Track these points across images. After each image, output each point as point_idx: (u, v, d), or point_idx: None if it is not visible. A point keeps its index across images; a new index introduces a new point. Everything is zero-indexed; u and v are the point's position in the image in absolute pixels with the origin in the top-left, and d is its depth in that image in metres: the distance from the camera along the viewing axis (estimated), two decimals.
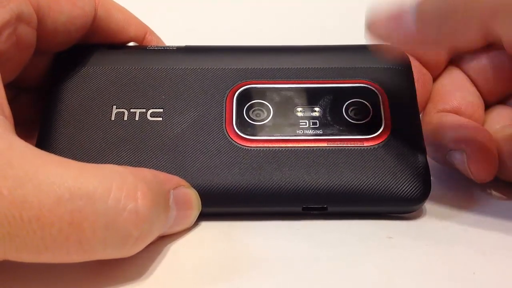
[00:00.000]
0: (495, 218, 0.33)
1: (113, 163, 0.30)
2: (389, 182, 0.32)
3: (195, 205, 0.32)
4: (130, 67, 0.36)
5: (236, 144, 0.34)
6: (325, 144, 0.34)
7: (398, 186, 0.32)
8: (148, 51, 0.38)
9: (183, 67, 0.36)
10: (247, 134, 0.34)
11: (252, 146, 0.34)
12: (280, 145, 0.34)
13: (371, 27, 0.32)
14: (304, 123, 0.35)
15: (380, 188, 0.32)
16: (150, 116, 0.35)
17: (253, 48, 0.38)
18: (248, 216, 0.33)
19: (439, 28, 0.29)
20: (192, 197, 0.32)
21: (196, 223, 0.32)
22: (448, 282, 0.28)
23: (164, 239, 0.31)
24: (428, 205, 0.33)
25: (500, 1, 0.26)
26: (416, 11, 0.30)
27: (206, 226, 0.33)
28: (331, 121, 0.35)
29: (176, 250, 0.30)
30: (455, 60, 0.41)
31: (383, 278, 0.28)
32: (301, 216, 0.33)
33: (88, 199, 0.25)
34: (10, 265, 0.26)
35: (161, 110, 0.35)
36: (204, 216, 0.32)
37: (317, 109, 0.35)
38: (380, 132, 0.34)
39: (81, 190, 0.25)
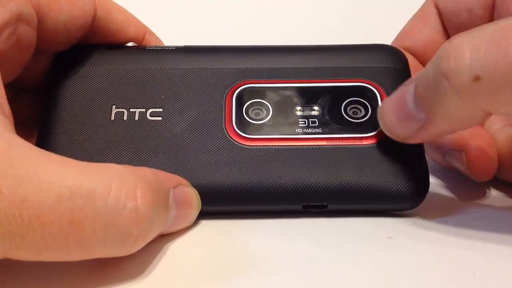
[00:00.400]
0: (495, 218, 0.33)
1: (113, 163, 0.30)
2: (388, 180, 0.33)
3: (195, 204, 0.32)
4: (130, 67, 0.36)
5: (236, 143, 0.34)
6: (324, 143, 0.34)
7: (397, 184, 0.33)
8: (147, 51, 0.38)
9: (182, 67, 0.36)
10: (246, 133, 0.34)
11: (252, 145, 0.34)
12: (280, 144, 0.34)
13: (381, 121, 0.33)
14: (303, 122, 0.35)
15: (379, 186, 0.32)
16: (150, 116, 0.35)
17: (252, 48, 0.38)
18: (248, 215, 0.33)
19: (449, 121, 0.29)
20: (192, 196, 0.32)
21: (196, 222, 0.32)
22: (448, 282, 0.28)
23: (164, 238, 0.31)
24: (428, 205, 0.33)
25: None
26: (417, 104, 0.30)
27: (206, 225, 0.33)
28: (330, 120, 0.35)
29: (175, 249, 0.30)
30: None
31: (383, 278, 0.28)
32: (301, 214, 0.33)
33: (88, 198, 0.25)
34: (10, 263, 0.26)
35: (161, 109, 0.35)
36: (204, 214, 0.32)
37: (316, 108, 0.35)
38: (379, 131, 0.34)
39: (81, 189, 0.25)
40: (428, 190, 0.33)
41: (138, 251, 0.27)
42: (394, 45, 0.39)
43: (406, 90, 0.31)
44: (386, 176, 0.33)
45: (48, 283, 0.27)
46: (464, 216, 0.33)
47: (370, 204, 0.33)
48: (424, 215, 0.33)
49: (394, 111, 0.32)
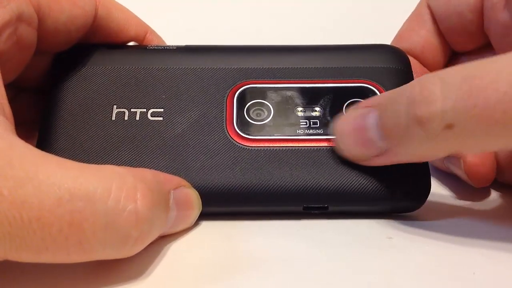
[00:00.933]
0: (495, 218, 0.33)
1: (114, 163, 0.30)
2: (389, 182, 0.32)
3: (196, 205, 0.32)
4: (131, 67, 0.36)
5: (237, 143, 0.34)
6: (325, 144, 0.34)
7: (398, 186, 0.32)
8: (149, 51, 0.38)
9: (183, 67, 0.36)
10: (247, 134, 0.34)
11: (253, 145, 0.34)
12: (281, 145, 0.34)
13: (336, 144, 0.33)
14: (305, 123, 0.35)
15: (381, 187, 0.32)
16: (151, 116, 0.35)
17: (253, 48, 0.38)
18: (249, 216, 0.33)
19: (414, 156, 0.31)
20: (193, 197, 0.32)
21: (196, 223, 0.32)
22: (448, 282, 0.28)
23: (164, 239, 0.31)
24: (428, 205, 0.33)
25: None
26: (378, 126, 0.31)
27: (207, 226, 0.33)
28: (332, 121, 0.35)
29: (176, 250, 0.30)
30: (454, 59, 0.41)
31: (383, 278, 0.28)
32: (302, 215, 0.33)
33: (88, 199, 0.25)
34: (10, 265, 0.26)
35: (162, 110, 0.35)
36: (204, 215, 0.32)
37: (317, 108, 0.35)
38: None
39: (81, 191, 0.25)
40: (429, 192, 0.33)
41: (138, 252, 0.27)
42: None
43: (367, 115, 0.31)
44: (388, 178, 0.33)
45: (48, 284, 0.27)
46: (464, 216, 0.33)
47: (371, 206, 0.33)
48: (424, 216, 0.34)
49: (352, 134, 0.32)
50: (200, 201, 0.32)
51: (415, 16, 0.42)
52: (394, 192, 0.32)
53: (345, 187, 0.32)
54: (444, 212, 0.34)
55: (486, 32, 0.38)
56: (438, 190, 0.36)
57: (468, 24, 0.38)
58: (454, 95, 0.27)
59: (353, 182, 0.33)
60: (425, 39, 0.41)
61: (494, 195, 0.36)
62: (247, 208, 0.33)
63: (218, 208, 0.33)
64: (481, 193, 0.36)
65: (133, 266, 0.28)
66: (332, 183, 0.33)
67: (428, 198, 0.33)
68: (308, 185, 0.33)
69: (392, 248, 0.30)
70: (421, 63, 0.40)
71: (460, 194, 0.36)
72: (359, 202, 0.33)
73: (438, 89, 0.28)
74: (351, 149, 0.32)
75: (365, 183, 0.32)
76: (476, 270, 0.28)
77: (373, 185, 0.32)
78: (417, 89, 0.29)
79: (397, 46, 0.38)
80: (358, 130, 0.32)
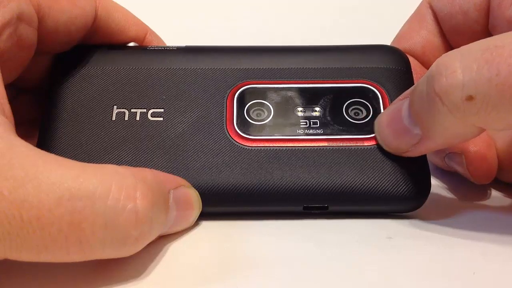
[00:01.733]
0: (495, 218, 0.33)
1: (114, 163, 0.30)
2: (389, 182, 0.32)
3: (196, 205, 0.32)
4: (131, 67, 0.36)
5: (237, 143, 0.34)
6: (325, 144, 0.34)
7: (398, 186, 0.32)
8: (149, 51, 0.38)
9: (183, 67, 0.36)
10: (247, 134, 0.34)
11: (253, 145, 0.34)
12: (281, 145, 0.34)
13: (378, 139, 0.34)
14: (305, 123, 0.35)
15: (381, 187, 0.32)
16: (151, 116, 0.35)
17: (253, 49, 0.38)
18: (249, 216, 0.33)
19: (445, 137, 0.30)
20: (193, 197, 0.32)
21: (196, 223, 0.32)
22: (448, 282, 0.28)
23: (164, 239, 0.31)
24: (428, 205, 0.33)
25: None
26: (415, 121, 0.31)
27: (207, 226, 0.33)
28: (332, 121, 0.35)
29: (176, 250, 0.30)
30: None
31: (383, 278, 0.28)
32: (302, 215, 0.33)
33: (88, 199, 0.25)
34: (10, 264, 0.26)
35: (162, 110, 0.35)
36: (205, 215, 0.32)
37: (317, 108, 0.35)
38: None
39: (80, 190, 0.25)
40: (429, 192, 0.33)
41: (138, 252, 0.28)
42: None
43: (401, 104, 0.32)
44: (388, 178, 0.33)
45: (48, 283, 0.27)
46: (463, 216, 0.33)
47: (371, 205, 0.33)
48: (424, 216, 0.33)
49: (390, 126, 0.33)
50: (200, 201, 0.32)
51: (416, 16, 0.42)
52: (394, 192, 0.32)
53: (345, 187, 0.32)
54: (444, 212, 0.34)
55: (491, 31, 0.38)
56: (438, 190, 0.36)
57: (473, 23, 0.38)
58: (474, 65, 0.27)
59: (353, 182, 0.33)
60: (426, 39, 0.40)
61: (494, 194, 0.36)
62: (247, 208, 0.33)
63: (218, 208, 0.33)
64: (481, 193, 0.36)
65: (133, 265, 0.28)
66: (332, 183, 0.33)
67: (428, 198, 0.33)
68: (308, 185, 0.33)
69: (392, 248, 0.30)
70: (421, 63, 0.40)
71: (460, 194, 0.36)
72: (359, 202, 0.33)
73: (457, 61, 0.27)
74: (391, 141, 0.33)
75: (365, 183, 0.32)
76: (476, 270, 0.28)
77: (373, 185, 0.32)
78: (435, 65, 0.28)
79: (397, 46, 0.38)
80: (394, 121, 0.32)
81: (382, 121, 0.33)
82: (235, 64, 0.37)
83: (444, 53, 0.39)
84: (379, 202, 0.33)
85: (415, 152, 0.32)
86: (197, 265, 0.29)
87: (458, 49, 0.28)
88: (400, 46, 0.39)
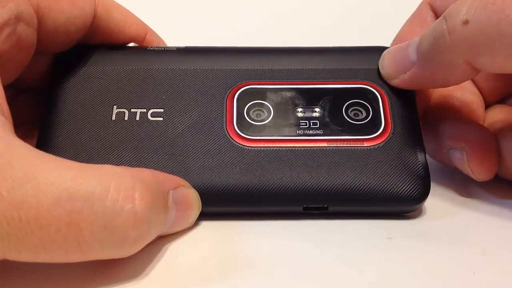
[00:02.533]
0: (495, 218, 0.33)
1: (114, 163, 0.30)
2: (389, 182, 0.32)
3: (195, 205, 0.32)
4: (131, 68, 0.36)
5: (237, 144, 0.34)
6: (325, 144, 0.34)
7: (398, 186, 0.32)
8: (149, 52, 0.38)
9: (183, 68, 0.36)
10: (247, 134, 0.34)
11: (253, 146, 0.34)
12: (281, 145, 0.34)
13: (382, 61, 0.36)
14: (305, 123, 0.35)
15: (380, 187, 0.32)
16: (151, 116, 0.35)
17: (253, 49, 0.38)
18: (249, 216, 0.33)
19: (434, 64, 0.33)
20: (192, 197, 0.32)
21: (196, 223, 0.32)
22: (448, 282, 0.28)
23: (164, 239, 0.31)
24: (428, 205, 0.33)
25: (476, 39, 0.30)
26: (417, 45, 0.34)
27: (206, 226, 0.33)
28: (331, 122, 0.35)
29: (175, 250, 0.30)
30: None
31: (383, 278, 0.28)
32: (302, 216, 0.33)
33: (86, 200, 0.25)
34: (10, 264, 0.26)
35: (162, 110, 0.35)
36: (204, 215, 0.32)
37: (317, 109, 0.35)
38: (380, 132, 0.34)
39: (79, 191, 0.25)
40: (429, 192, 0.33)
41: (137, 252, 0.27)
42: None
43: (411, 40, 0.35)
44: (387, 179, 0.33)
45: (47, 284, 0.27)
46: (464, 216, 0.33)
47: (371, 206, 0.33)
48: (424, 216, 0.33)
49: (395, 51, 0.35)
50: (200, 201, 0.32)
51: (416, 16, 0.41)
52: (394, 193, 0.32)
53: (345, 188, 0.32)
54: (444, 212, 0.34)
55: None
56: (438, 191, 0.36)
57: None
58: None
59: (352, 183, 0.33)
60: None
61: (494, 195, 0.35)
62: (247, 209, 0.33)
63: (218, 208, 0.33)
64: (481, 192, 0.36)
65: (132, 265, 0.28)
66: (332, 184, 0.33)
67: (428, 198, 0.33)
68: (308, 185, 0.33)
69: (392, 248, 0.30)
70: None
71: (460, 195, 0.36)
72: (359, 202, 0.33)
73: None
74: (389, 63, 0.35)
75: (365, 184, 0.32)
76: (476, 270, 0.28)
77: (373, 185, 0.32)
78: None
79: None
80: (401, 47, 0.35)
81: (391, 48, 0.36)
82: (235, 64, 0.37)
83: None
84: (379, 202, 0.33)
85: (401, 80, 0.34)
86: (197, 265, 0.29)
87: None
88: None
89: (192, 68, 0.36)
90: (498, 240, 0.31)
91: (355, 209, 0.33)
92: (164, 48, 0.38)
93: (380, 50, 0.37)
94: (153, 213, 0.27)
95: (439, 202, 0.35)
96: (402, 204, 0.33)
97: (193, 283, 0.28)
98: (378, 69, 0.36)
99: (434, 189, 0.34)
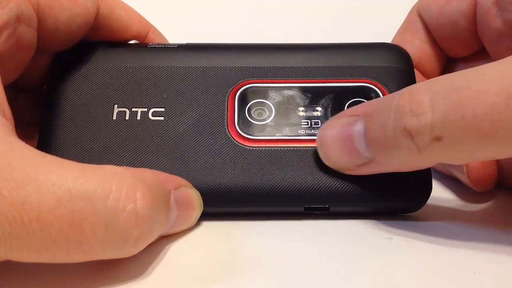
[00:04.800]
0: (495, 218, 0.33)
1: (115, 163, 0.30)
2: (390, 182, 0.32)
3: (197, 205, 0.32)
4: (132, 65, 0.36)
5: (238, 144, 0.34)
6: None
7: (400, 186, 0.32)
8: (150, 49, 0.38)
9: (184, 66, 0.36)
10: (249, 134, 0.34)
11: (254, 146, 0.34)
12: (282, 145, 0.34)
13: (319, 152, 0.33)
14: (306, 123, 0.35)
15: (382, 187, 0.32)
16: (152, 116, 0.35)
17: (255, 46, 0.38)
18: (250, 216, 0.33)
19: (398, 165, 0.31)
20: (194, 197, 0.32)
21: (198, 223, 0.32)
22: (448, 282, 0.28)
23: (165, 239, 0.31)
24: (428, 205, 0.33)
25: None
26: (367, 144, 0.31)
27: (208, 226, 0.33)
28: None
29: (176, 250, 0.30)
30: (450, 66, 0.41)
31: (383, 278, 0.28)
32: (303, 216, 0.33)
33: (88, 200, 0.25)
34: (12, 265, 0.26)
35: (163, 109, 0.35)
36: (206, 216, 0.33)
37: (319, 108, 0.35)
38: None
39: (81, 191, 0.25)
40: (430, 192, 0.33)
41: (139, 252, 0.28)
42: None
43: (353, 125, 0.31)
44: (389, 179, 0.32)
45: (48, 284, 0.28)
46: (464, 216, 0.33)
47: (372, 206, 0.33)
48: (425, 216, 0.33)
49: (337, 144, 0.32)
50: (202, 201, 0.32)
51: (406, 25, 0.41)
52: (395, 193, 0.32)
53: (346, 188, 0.32)
54: (444, 213, 0.34)
55: (480, 38, 0.38)
56: (439, 191, 0.36)
57: (463, 32, 0.38)
58: (442, 106, 0.27)
59: (354, 183, 0.33)
60: (420, 48, 0.40)
61: (495, 197, 0.35)
62: (248, 209, 0.33)
63: (219, 209, 0.33)
64: (482, 195, 0.36)
65: (134, 266, 0.28)
66: (334, 184, 0.33)
67: (429, 199, 0.33)
68: (310, 185, 0.33)
69: (392, 248, 0.30)
70: (419, 72, 0.40)
71: (461, 196, 0.36)
72: (361, 202, 0.33)
73: (427, 100, 0.28)
74: (336, 158, 0.32)
75: (366, 184, 0.32)
76: (476, 270, 0.28)
77: (375, 185, 0.32)
78: (405, 100, 0.29)
79: None
80: (344, 139, 0.32)
81: (328, 137, 0.33)
82: (236, 62, 0.36)
83: (438, 61, 0.39)
84: (380, 202, 0.33)
85: (359, 172, 0.32)
86: (198, 265, 0.29)
87: (428, 82, 0.29)
88: None
89: (194, 66, 0.36)
90: (498, 240, 0.31)
91: (356, 209, 0.33)
92: (165, 45, 0.38)
93: (382, 46, 0.37)
94: (154, 213, 0.27)
95: (440, 203, 0.35)
96: (403, 204, 0.33)
97: (194, 283, 0.28)
98: (380, 66, 0.36)
99: (435, 189, 0.34)
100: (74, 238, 0.25)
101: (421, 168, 0.31)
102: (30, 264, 0.26)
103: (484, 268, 0.28)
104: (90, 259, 0.26)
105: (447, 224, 0.33)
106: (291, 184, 0.33)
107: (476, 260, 0.29)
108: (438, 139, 0.27)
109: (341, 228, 0.32)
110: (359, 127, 0.31)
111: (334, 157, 0.32)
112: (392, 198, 0.32)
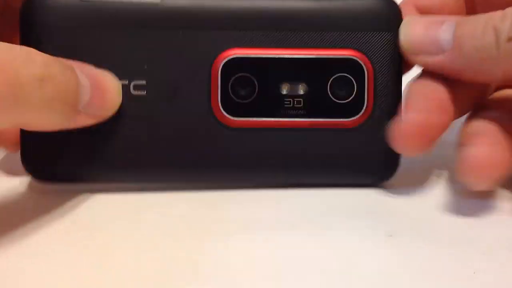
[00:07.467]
0: (495, 218, 0.33)
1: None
2: (358, 153, 0.34)
3: (113, 89, 0.31)
4: (107, 27, 0.32)
5: (220, 123, 0.33)
6: (307, 125, 0.34)
7: (367, 158, 0.34)
8: (127, 7, 0.33)
9: (166, 27, 0.33)
10: (231, 114, 0.33)
11: (236, 126, 0.33)
12: (265, 125, 0.33)
13: (407, 29, 0.33)
14: (288, 103, 0.34)
15: (349, 158, 0.34)
16: (134, 90, 0.32)
17: (240, 8, 0.33)
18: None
19: (470, 65, 0.32)
20: (108, 78, 0.31)
21: (178, 191, 0.33)
22: (448, 281, 0.27)
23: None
24: (428, 205, 0.33)
25: None
26: (454, 33, 0.32)
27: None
28: (315, 101, 0.34)
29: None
30: None
31: (383, 277, 0.27)
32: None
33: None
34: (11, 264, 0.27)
35: (144, 82, 0.32)
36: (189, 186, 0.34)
37: (301, 86, 0.34)
38: (362, 113, 0.34)
39: None
40: (398, 165, 0.34)
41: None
42: (406, 4, 0.38)
43: (441, 24, 0.32)
44: (359, 152, 0.34)
45: (48, 284, 0.26)
46: (464, 216, 0.33)
47: (336, 176, 0.34)
48: (425, 214, 0.33)
49: (425, 26, 0.33)
50: (121, 90, 0.32)
51: None
52: (360, 166, 0.34)
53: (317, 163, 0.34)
54: (444, 211, 0.33)
55: None
56: (439, 191, 0.35)
57: None
58: None
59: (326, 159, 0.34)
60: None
61: (497, 195, 0.35)
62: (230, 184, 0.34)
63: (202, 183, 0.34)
64: (481, 192, 0.35)
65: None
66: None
67: (428, 196, 0.34)
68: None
69: (393, 245, 0.30)
70: None
71: (461, 194, 0.35)
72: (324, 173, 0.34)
73: None
74: (416, 37, 0.33)
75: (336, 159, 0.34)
76: (476, 270, 0.28)
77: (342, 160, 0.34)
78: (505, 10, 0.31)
79: (414, 3, 0.37)
80: (434, 24, 0.33)
81: (417, 20, 0.33)
82: (220, 26, 0.33)
83: (462, 11, 0.39)
84: (344, 174, 0.34)
85: (423, 62, 0.33)
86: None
87: None
88: (418, 3, 0.38)
89: (176, 27, 0.33)
90: (500, 239, 0.30)
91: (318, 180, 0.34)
92: (143, 2, 0.33)
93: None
94: (53, 61, 0.28)
95: (441, 201, 0.34)
96: (369, 177, 0.34)
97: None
98: (366, 33, 0.33)
99: (435, 188, 0.35)
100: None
101: (484, 77, 0.32)
102: (30, 265, 0.27)
103: (484, 268, 0.28)
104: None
105: (448, 222, 0.32)
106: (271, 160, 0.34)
107: (476, 260, 0.29)
108: (510, 39, 0.30)
109: (340, 225, 0.32)
110: (450, 25, 0.32)
111: (415, 37, 0.33)
112: (356, 170, 0.34)
